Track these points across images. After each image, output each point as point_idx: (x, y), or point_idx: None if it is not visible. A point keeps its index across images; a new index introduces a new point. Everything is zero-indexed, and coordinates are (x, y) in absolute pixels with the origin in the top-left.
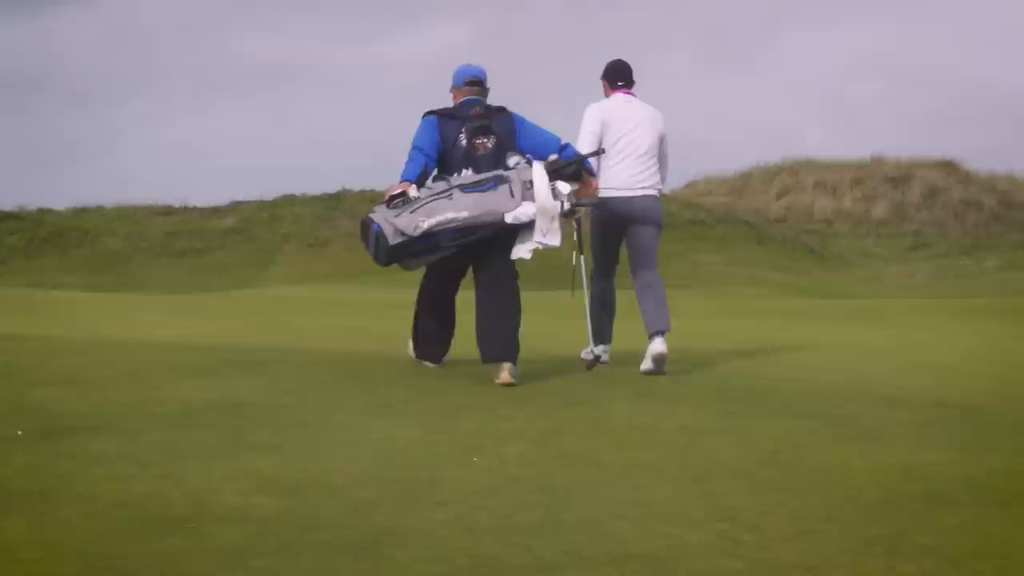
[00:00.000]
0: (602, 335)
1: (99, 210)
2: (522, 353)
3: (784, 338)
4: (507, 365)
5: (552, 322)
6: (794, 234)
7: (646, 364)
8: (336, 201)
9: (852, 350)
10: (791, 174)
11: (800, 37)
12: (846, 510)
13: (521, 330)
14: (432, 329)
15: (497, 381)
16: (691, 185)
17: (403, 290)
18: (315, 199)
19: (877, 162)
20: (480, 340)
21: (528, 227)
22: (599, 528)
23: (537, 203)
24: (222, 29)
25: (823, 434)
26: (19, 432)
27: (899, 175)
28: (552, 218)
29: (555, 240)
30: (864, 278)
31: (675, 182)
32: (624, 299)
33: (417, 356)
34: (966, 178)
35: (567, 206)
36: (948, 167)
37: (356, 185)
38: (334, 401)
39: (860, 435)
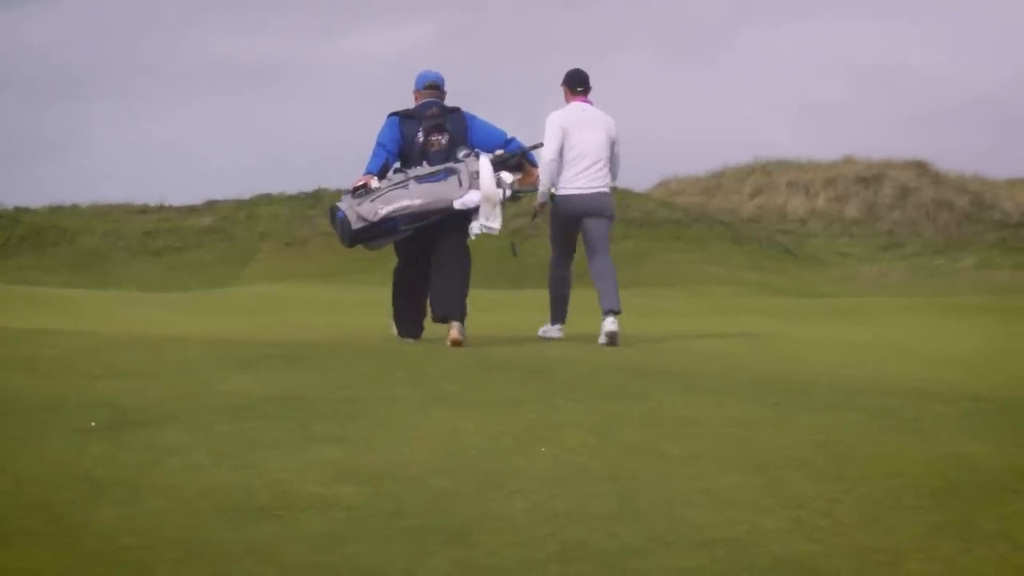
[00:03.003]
0: (559, 315)
1: (75, 209)
2: (562, 351)
3: (795, 335)
4: (455, 324)
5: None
6: (768, 233)
7: (602, 339)
8: (313, 200)
9: (867, 347)
10: (763, 174)
11: (761, 36)
12: (909, 498)
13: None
14: (407, 311)
15: (448, 341)
16: (663, 184)
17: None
18: (292, 198)
19: (848, 162)
20: (432, 303)
21: (475, 212)
22: (675, 515)
23: (481, 191)
24: (185, 27)
25: (869, 426)
26: (92, 423)
27: (871, 175)
28: (494, 204)
29: (496, 223)
30: (839, 277)
31: (647, 181)
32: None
33: (399, 335)
34: (937, 178)
35: (509, 193)
36: (919, 167)
37: (333, 184)
38: (389, 394)
39: (904, 427)
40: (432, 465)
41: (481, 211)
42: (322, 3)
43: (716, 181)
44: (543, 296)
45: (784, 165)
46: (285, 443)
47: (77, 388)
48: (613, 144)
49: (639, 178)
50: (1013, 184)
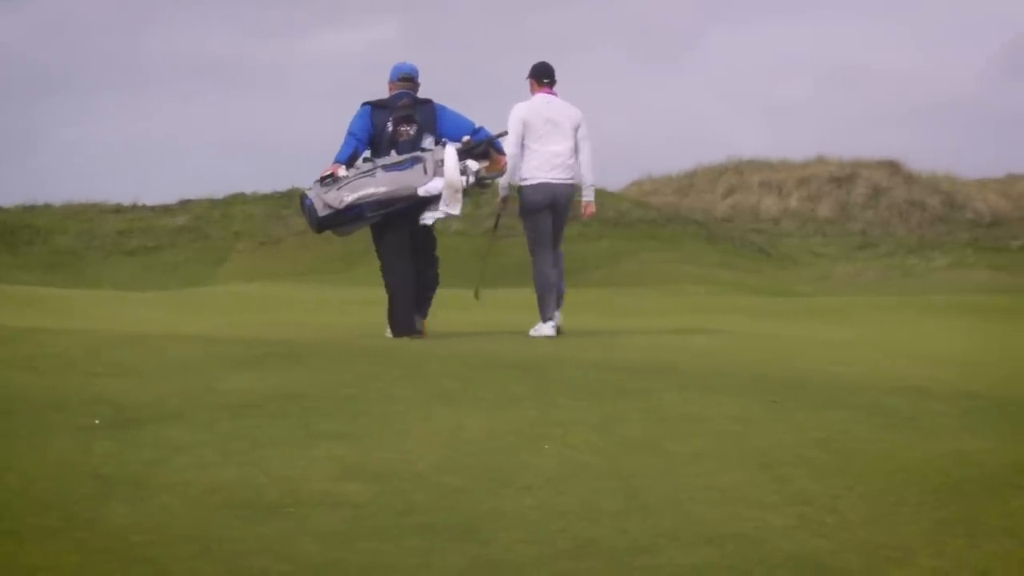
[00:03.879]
0: (547, 310)
1: (48, 208)
2: (555, 349)
3: (782, 334)
4: (417, 319)
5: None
6: (742, 233)
7: (536, 332)
8: (287, 199)
9: (856, 345)
10: (736, 174)
11: (727, 36)
12: (912, 495)
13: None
14: (400, 308)
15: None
16: (636, 184)
17: (372, 288)
18: (266, 197)
19: (821, 162)
20: None
21: (438, 198)
22: (683, 511)
23: (445, 178)
24: (152, 25)
25: (868, 423)
26: (96, 421)
27: (843, 175)
28: (456, 191)
29: (455, 209)
30: (813, 277)
31: (620, 181)
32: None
33: (395, 334)
34: (909, 178)
35: (473, 180)
36: (891, 167)
37: (307, 183)
38: (389, 392)
39: (903, 424)
40: (438, 462)
41: (443, 197)
42: (286, 2)
43: (689, 181)
44: (519, 294)
45: (757, 165)
46: (290, 441)
47: (78, 386)
48: (578, 135)
49: (612, 178)
50: (984, 184)
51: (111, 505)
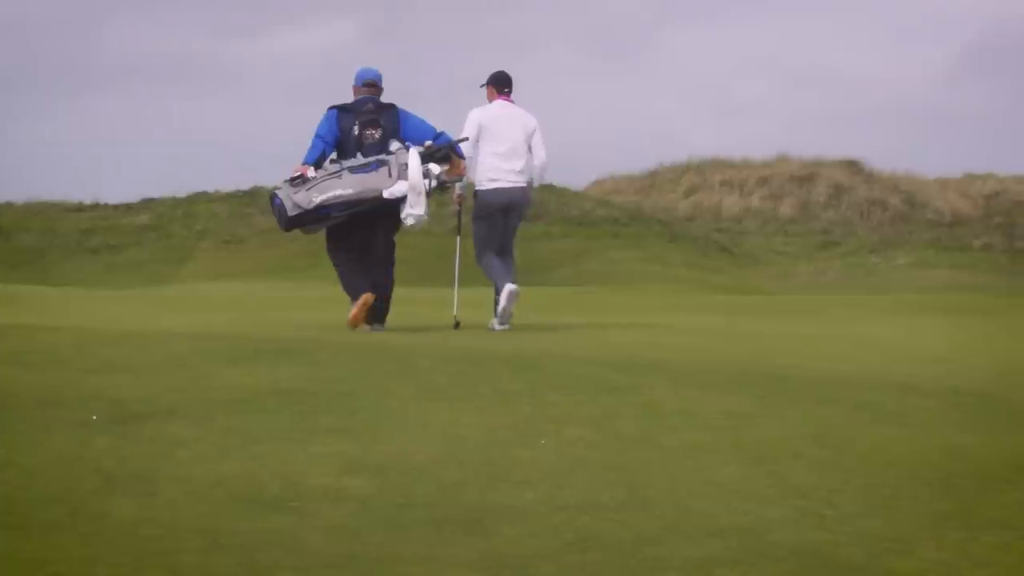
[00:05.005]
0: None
1: (10, 206)
2: (543, 346)
3: (760, 331)
4: (377, 326)
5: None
6: (705, 232)
7: (502, 303)
8: (250, 198)
9: (833, 342)
10: (698, 173)
11: (684, 35)
12: (907, 488)
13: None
14: (352, 274)
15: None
16: (598, 183)
17: (337, 286)
18: (230, 196)
19: (782, 161)
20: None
21: (403, 201)
22: (683, 505)
23: (409, 181)
24: (107, 23)
25: (856, 418)
26: (93, 417)
27: (804, 174)
28: (419, 193)
29: (420, 210)
30: (776, 275)
31: (582, 180)
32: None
33: (352, 299)
34: (870, 177)
35: (435, 183)
36: (852, 166)
37: (269, 181)
38: (383, 387)
39: (891, 419)
40: (436, 457)
41: (408, 199)
42: (246, 1)
43: (650, 180)
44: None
45: (718, 164)
46: (288, 436)
47: (72, 382)
48: (532, 141)
49: (574, 177)
50: (944, 183)
51: (116, 500)
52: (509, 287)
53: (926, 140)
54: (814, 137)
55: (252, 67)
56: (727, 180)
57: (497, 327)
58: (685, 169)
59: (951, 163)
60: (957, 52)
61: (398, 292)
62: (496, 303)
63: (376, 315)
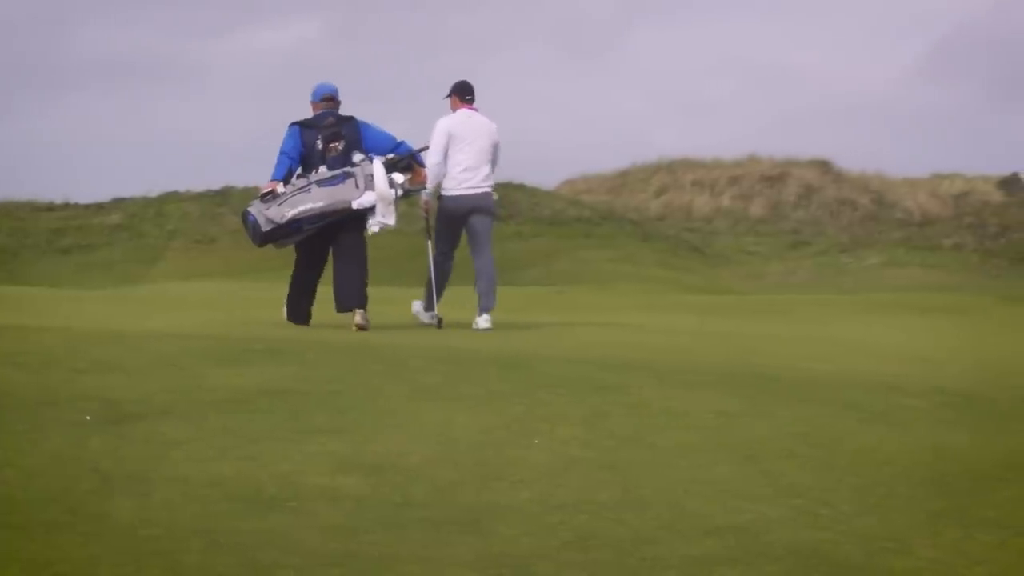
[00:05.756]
0: (431, 303)
1: None
2: (530, 346)
3: (741, 331)
4: (359, 312)
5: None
6: (676, 232)
7: (476, 324)
8: (221, 198)
9: (818, 341)
10: (668, 173)
11: (652, 34)
12: (901, 488)
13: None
14: (299, 301)
15: (354, 326)
16: (569, 183)
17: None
18: (201, 196)
19: (752, 161)
20: (336, 294)
21: (371, 211)
22: (678, 504)
23: (376, 191)
24: (73, 23)
25: (845, 418)
26: (87, 417)
27: (775, 174)
28: (388, 203)
29: (391, 219)
30: (747, 275)
31: (553, 180)
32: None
33: (288, 319)
34: (839, 177)
35: (400, 192)
36: (822, 166)
37: (240, 181)
38: (374, 387)
39: (879, 419)
40: (430, 457)
41: (377, 209)
42: (213, 1)
43: (621, 180)
44: (462, 292)
45: (688, 164)
46: (282, 436)
47: (65, 382)
48: (496, 147)
49: (545, 176)
50: (912, 183)
51: (114, 500)
52: (482, 323)
53: (892, 141)
54: (784, 137)
55: (220, 66)
56: (698, 180)
57: (420, 317)
58: (656, 169)
59: (918, 164)
60: (924, 53)
61: (381, 292)
62: (427, 297)
63: (357, 296)
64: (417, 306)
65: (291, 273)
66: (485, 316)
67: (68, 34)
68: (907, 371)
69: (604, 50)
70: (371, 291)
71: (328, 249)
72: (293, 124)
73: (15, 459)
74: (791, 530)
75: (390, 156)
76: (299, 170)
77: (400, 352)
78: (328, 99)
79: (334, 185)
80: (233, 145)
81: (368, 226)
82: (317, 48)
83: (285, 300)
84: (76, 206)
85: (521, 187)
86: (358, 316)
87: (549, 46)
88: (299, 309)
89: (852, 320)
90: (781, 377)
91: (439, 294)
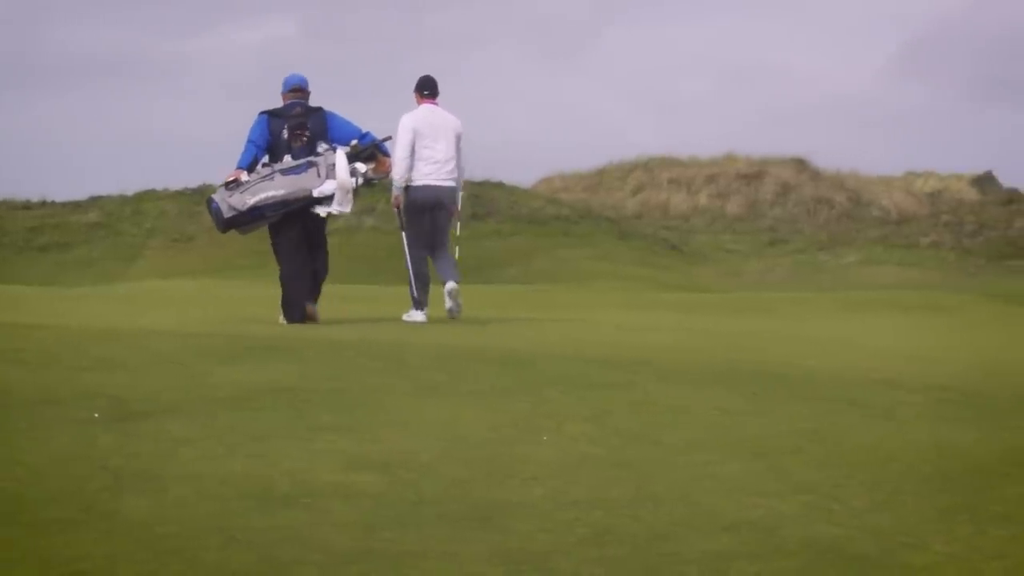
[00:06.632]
0: (422, 298)
1: None
2: (526, 343)
3: (732, 329)
4: (312, 304)
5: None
6: (653, 230)
7: (447, 303)
8: (199, 196)
9: (810, 339)
10: (645, 171)
11: (626, 33)
12: (909, 484)
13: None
14: (295, 295)
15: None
16: (546, 181)
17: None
18: (178, 194)
19: (729, 159)
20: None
21: (331, 198)
22: (692, 500)
23: (337, 180)
24: (45, 22)
25: (849, 415)
26: (95, 415)
27: (751, 172)
28: (347, 191)
29: (347, 207)
30: (725, 273)
31: (528, 178)
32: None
33: (288, 321)
34: (816, 175)
35: (362, 181)
36: (798, 164)
37: (218, 179)
38: (377, 385)
39: (882, 415)
40: (440, 453)
41: (335, 197)
42: None
43: (598, 178)
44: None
45: (666, 162)
46: (290, 433)
47: (66, 380)
48: (459, 142)
49: (521, 175)
50: (887, 181)
51: (127, 497)
52: (449, 285)
53: (867, 139)
54: (760, 135)
55: (198, 64)
56: (675, 178)
57: (407, 318)
58: (632, 167)
59: (892, 162)
60: (896, 52)
61: (363, 290)
62: (411, 294)
63: (311, 292)
64: (407, 317)
65: (279, 276)
66: (451, 282)
67: (43, 33)
68: (903, 368)
69: (580, 48)
70: (353, 290)
71: (304, 234)
72: (262, 113)
73: (23, 457)
74: (805, 525)
75: (353, 144)
76: (266, 158)
77: (399, 350)
78: (296, 90)
79: (297, 174)
80: (211, 143)
81: (318, 209)
82: (294, 46)
83: (280, 305)
84: (53, 204)
85: (500, 185)
86: (308, 308)
87: (525, 44)
88: (297, 308)
89: (836, 318)
90: (781, 374)
91: (425, 297)
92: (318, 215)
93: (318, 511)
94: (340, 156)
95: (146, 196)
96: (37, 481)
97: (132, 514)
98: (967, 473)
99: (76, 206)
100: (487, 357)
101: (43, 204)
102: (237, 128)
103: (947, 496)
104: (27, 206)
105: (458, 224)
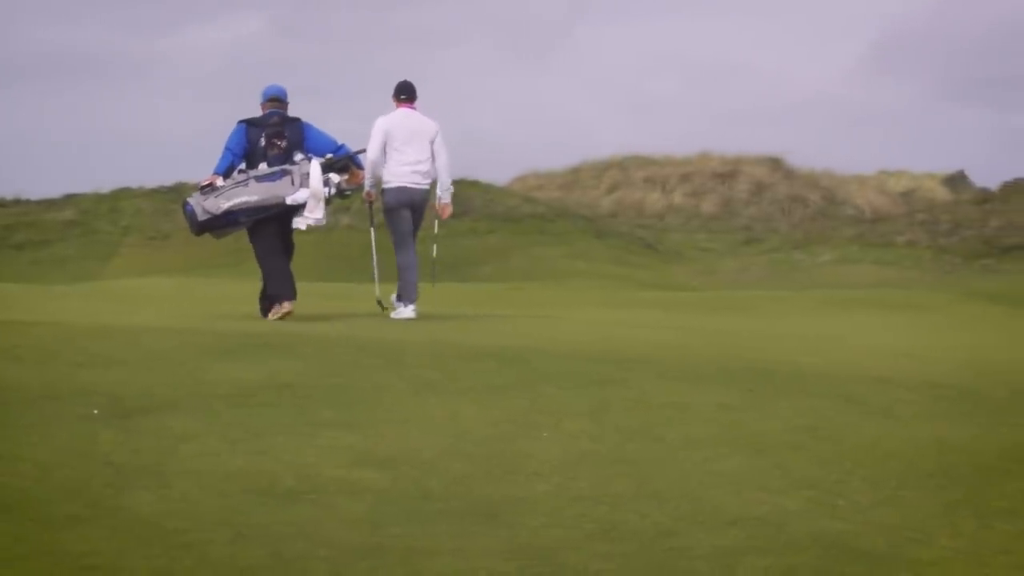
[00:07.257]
0: (410, 295)
1: None
2: (522, 340)
3: (720, 328)
4: (287, 302)
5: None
6: (629, 228)
7: (398, 315)
8: (175, 194)
9: (799, 337)
10: (620, 170)
11: (596, 32)
12: (911, 479)
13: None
14: (276, 288)
15: (282, 313)
16: (520, 179)
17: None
18: (154, 192)
19: (704, 158)
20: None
21: (304, 207)
22: (695, 496)
23: (310, 189)
24: (14, 21)
25: (847, 411)
26: (95, 411)
27: (726, 171)
28: (319, 200)
29: (319, 214)
30: (700, 271)
31: (503, 176)
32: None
33: (264, 316)
34: (790, 174)
35: (335, 191)
36: (773, 163)
37: (194, 177)
38: (377, 381)
39: (879, 412)
40: (443, 450)
41: (307, 206)
42: None
43: (573, 176)
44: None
45: (640, 161)
46: (291, 429)
47: (65, 376)
48: (435, 145)
49: (496, 173)
50: (860, 180)
51: (133, 493)
52: (411, 312)
53: (839, 138)
54: (734, 134)
55: (169, 63)
56: (649, 177)
57: (396, 316)
58: (607, 166)
59: (865, 161)
60: (867, 51)
61: (340, 288)
62: (400, 289)
63: (286, 288)
64: (395, 315)
65: (261, 274)
66: (411, 307)
67: (15, 31)
68: (895, 366)
69: (553, 47)
70: (331, 287)
71: (280, 235)
72: (241, 122)
73: (27, 453)
74: (811, 521)
75: (328, 156)
76: (242, 165)
77: (395, 347)
78: (275, 100)
79: (272, 181)
80: (185, 141)
81: (294, 223)
82: (263, 45)
83: (259, 299)
84: (28, 202)
85: (475, 184)
86: (287, 305)
87: (497, 43)
88: (276, 303)
89: (819, 316)
90: (776, 371)
91: (414, 295)
92: (289, 221)
93: (324, 507)
94: (314, 166)
95: (122, 194)
96: (43, 477)
97: (139, 509)
98: (967, 469)
99: (51, 204)
100: (482, 354)
101: (17, 202)
102: (210, 126)
103: (950, 492)
104: (1, 204)
105: (436, 222)
